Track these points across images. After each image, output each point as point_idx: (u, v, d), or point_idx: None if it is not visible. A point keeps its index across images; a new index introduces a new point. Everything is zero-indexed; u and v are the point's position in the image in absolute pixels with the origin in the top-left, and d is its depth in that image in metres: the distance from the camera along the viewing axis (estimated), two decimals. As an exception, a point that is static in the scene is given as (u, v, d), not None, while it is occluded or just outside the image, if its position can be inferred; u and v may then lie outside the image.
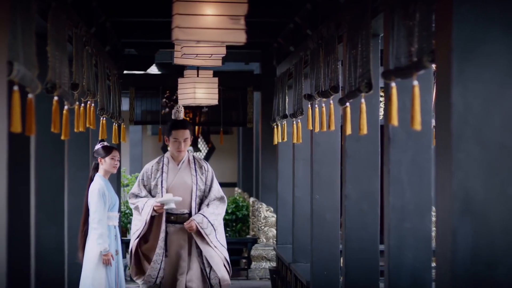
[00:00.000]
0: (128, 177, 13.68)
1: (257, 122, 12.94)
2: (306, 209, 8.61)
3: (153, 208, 7.39)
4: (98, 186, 8.07)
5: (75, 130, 6.03)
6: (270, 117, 10.08)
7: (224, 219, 9.51)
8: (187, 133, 7.62)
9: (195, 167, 7.63)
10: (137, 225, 7.54)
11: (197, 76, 9.46)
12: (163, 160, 7.66)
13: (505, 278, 3.45)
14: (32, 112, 4.04)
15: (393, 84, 4.28)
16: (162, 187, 7.54)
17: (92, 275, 7.91)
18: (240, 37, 4.91)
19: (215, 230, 7.43)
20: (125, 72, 12.01)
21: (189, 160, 7.68)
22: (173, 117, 7.67)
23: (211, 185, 7.60)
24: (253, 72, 14.40)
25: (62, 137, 5.39)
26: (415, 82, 3.91)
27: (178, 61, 8.05)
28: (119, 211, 8.51)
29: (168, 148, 7.77)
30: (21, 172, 4.95)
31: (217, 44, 5.55)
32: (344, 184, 6.39)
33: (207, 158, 18.84)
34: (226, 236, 7.79)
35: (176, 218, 7.53)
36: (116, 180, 11.79)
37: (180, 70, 10.42)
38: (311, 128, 7.07)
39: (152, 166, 7.68)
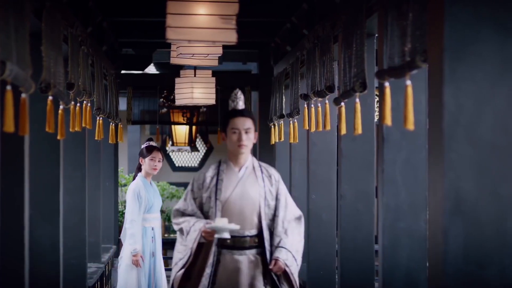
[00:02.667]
0: (126, 177, 13.67)
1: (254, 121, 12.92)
2: (303, 209, 8.56)
3: (202, 234, 5.52)
4: (134, 187, 8.21)
5: (71, 129, 6.03)
6: (267, 116, 10.08)
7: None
8: (249, 122, 5.64)
9: (262, 176, 5.67)
10: (181, 253, 5.64)
11: (195, 76, 9.47)
12: (218, 166, 5.70)
13: (496, 279, 3.45)
14: (26, 111, 4.04)
15: (387, 84, 4.29)
16: (216, 199, 5.57)
17: (124, 274, 8.08)
18: (231, 37, 4.92)
19: (297, 266, 5.60)
20: (122, 71, 12.00)
21: (254, 166, 5.70)
22: (230, 106, 5.76)
23: (286, 200, 5.71)
24: (251, 72, 14.39)
25: (58, 137, 5.40)
26: (408, 82, 3.92)
27: (174, 60, 8.06)
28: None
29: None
30: (15, 172, 4.95)
31: (208, 43, 5.56)
32: (339, 184, 6.39)
33: (205, 158, 18.84)
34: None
35: (234, 242, 5.57)
36: (114, 180, 11.81)
37: (178, 70, 10.42)
38: (307, 128, 7.08)
39: (205, 173, 5.69)
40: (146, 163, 8.33)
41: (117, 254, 11.93)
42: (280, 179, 5.73)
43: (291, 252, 5.51)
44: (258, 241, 5.60)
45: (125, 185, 13.40)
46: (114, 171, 11.88)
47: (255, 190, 5.61)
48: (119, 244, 8.30)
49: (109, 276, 10.64)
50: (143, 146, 8.49)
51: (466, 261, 3.46)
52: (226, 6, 5.01)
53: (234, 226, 5.40)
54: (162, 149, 18.67)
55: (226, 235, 5.39)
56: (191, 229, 5.54)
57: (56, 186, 6.10)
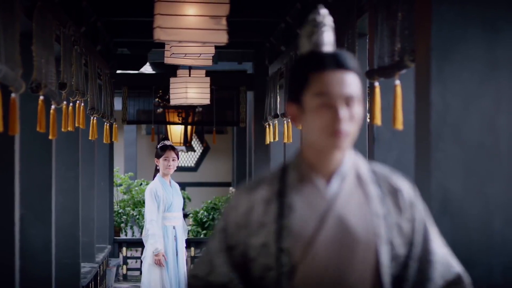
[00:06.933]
0: (122, 177, 13.67)
1: (250, 121, 12.93)
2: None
3: None
4: (151, 186, 8.33)
5: (63, 129, 6.02)
6: (262, 116, 10.07)
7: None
8: (353, 81, 2.52)
9: (380, 192, 2.54)
10: None
11: (189, 76, 9.47)
12: (281, 175, 2.55)
13: (483, 278, 3.45)
14: (16, 111, 4.04)
15: (377, 84, 4.29)
16: (281, 252, 2.44)
17: (148, 274, 8.18)
18: (221, 38, 4.93)
19: None
20: (118, 71, 11.99)
21: (359, 173, 2.56)
22: (305, 44, 2.58)
23: (430, 243, 2.61)
24: (246, 72, 14.40)
25: (50, 137, 5.40)
26: (397, 82, 3.92)
27: (168, 60, 8.06)
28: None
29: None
30: (5, 171, 4.95)
31: (198, 44, 5.57)
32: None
33: (202, 158, 18.82)
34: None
35: None
36: (109, 180, 11.80)
37: (173, 70, 10.42)
38: (300, 128, 7.06)
39: (250, 193, 2.53)
40: (160, 163, 8.44)
41: (112, 254, 11.95)
42: (418, 198, 2.63)
43: None
44: None
45: (120, 185, 13.39)
46: (109, 171, 11.88)
47: (367, 224, 2.51)
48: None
49: (103, 276, 10.64)
50: (157, 146, 8.57)
51: (453, 261, 3.46)
52: (216, 6, 5.02)
53: None
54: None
55: None
56: None
57: (48, 186, 6.10)
